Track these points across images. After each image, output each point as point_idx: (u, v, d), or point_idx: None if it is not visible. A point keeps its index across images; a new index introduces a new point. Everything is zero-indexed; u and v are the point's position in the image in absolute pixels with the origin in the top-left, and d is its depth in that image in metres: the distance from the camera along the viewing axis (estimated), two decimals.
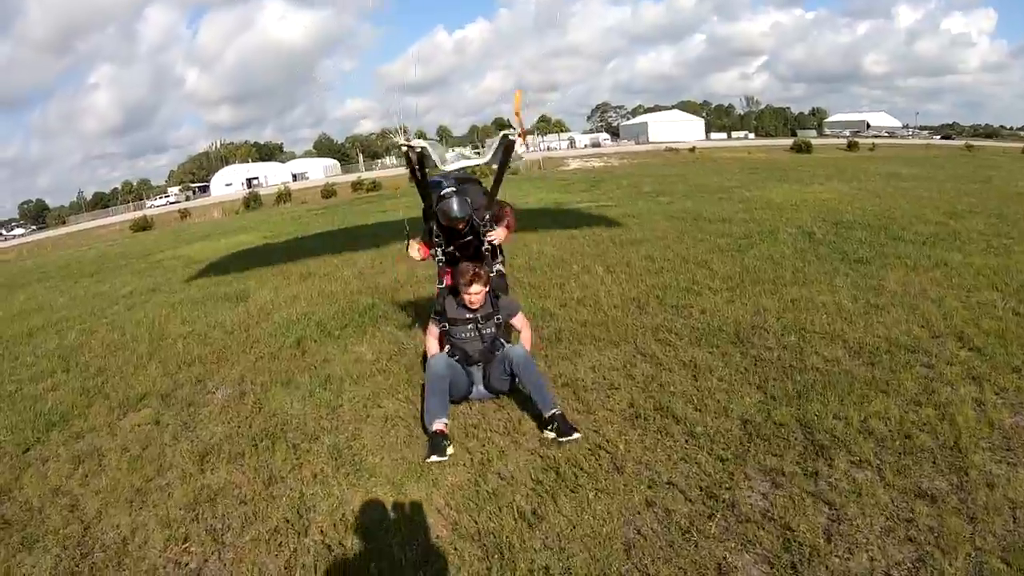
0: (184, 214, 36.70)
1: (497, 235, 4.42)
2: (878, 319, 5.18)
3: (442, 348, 4.15)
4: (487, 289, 4.07)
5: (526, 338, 4.33)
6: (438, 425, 3.64)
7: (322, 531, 3.00)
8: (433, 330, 4.25)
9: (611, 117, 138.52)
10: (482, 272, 4.01)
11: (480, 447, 3.64)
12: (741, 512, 2.87)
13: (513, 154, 4.33)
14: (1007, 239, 8.02)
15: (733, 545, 2.66)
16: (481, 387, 4.14)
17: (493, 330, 4.14)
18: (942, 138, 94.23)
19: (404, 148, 4.22)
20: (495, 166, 4.56)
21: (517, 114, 4.10)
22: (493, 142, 4.11)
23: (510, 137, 4.20)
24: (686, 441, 3.52)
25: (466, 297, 4.01)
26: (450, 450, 3.53)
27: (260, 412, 4.41)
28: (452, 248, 4.48)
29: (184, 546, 3.03)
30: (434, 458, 3.46)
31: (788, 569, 2.50)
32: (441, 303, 4.27)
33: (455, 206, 4.12)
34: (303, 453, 3.75)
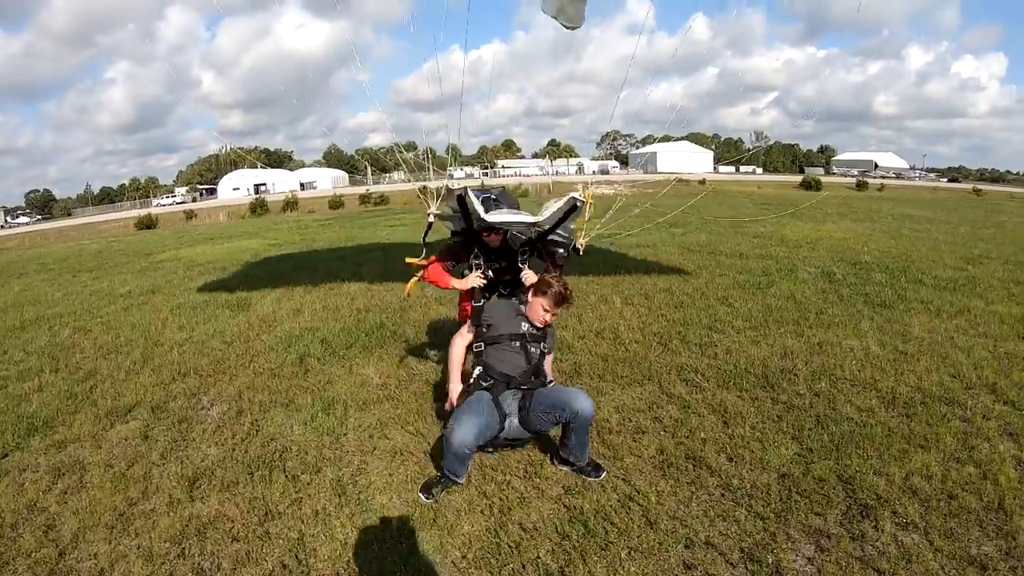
0: (190, 215, 36.49)
1: (529, 275, 3.87)
2: (908, 367, 4.99)
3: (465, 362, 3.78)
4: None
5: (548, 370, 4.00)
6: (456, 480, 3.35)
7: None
8: (466, 336, 3.74)
9: (620, 145, 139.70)
10: (571, 296, 3.64)
11: (499, 492, 3.32)
12: None
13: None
14: None
15: None
16: (515, 420, 3.45)
17: (538, 354, 3.66)
18: (948, 180, 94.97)
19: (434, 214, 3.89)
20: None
21: (589, 197, 3.64)
22: (556, 203, 3.66)
23: (577, 201, 3.66)
24: (722, 495, 3.26)
25: (541, 313, 3.57)
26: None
27: (258, 435, 4.09)
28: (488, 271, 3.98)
29: None
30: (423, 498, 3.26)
31: None
32: (488, 313, 3.73)
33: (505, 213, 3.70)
34: (303, 486, 3.42)
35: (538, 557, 2.79)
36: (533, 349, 3.63)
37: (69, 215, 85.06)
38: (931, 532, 2.90)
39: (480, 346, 3.65)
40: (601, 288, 7.91)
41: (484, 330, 3.67)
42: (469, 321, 3.79)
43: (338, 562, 2.79)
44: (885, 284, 7.96)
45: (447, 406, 3.56)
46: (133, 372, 5.57)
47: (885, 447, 3.66)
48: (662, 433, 3.94)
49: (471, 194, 3.55)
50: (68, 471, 3.76)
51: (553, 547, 2.87)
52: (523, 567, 2.74)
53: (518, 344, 3.61)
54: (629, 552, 2.82)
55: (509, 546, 2.87)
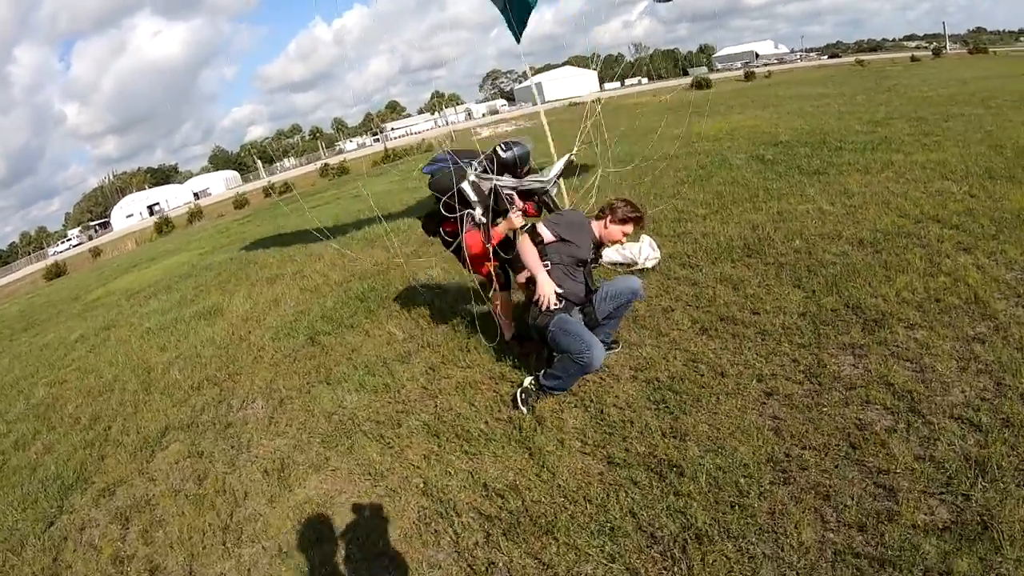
0: (96, 252, 33.21)
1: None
2: (861, 216, 5.30)
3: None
4: None
5: None
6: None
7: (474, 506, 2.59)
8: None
9: (503, 83, 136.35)
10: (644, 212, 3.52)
11: (579, 389, 3.28)
12: (846, 380, 2.94)
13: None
14: (935, 137, 8.34)
15: (856, 406, 2.73)
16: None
17: (590, 275, 3.42)
18: (829, 57, 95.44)
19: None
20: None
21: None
22: (559, 163, 4.09)
23: (572, 157, 4.48)
24: (763, 339, 3.46)
25: (618, 234, 3.36)
26: None
27: (314, 414, 3.80)
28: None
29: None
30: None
31: (908, 412, 2.62)
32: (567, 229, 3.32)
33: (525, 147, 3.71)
34: (395, 439, 3.22)
35: (647, 424, 2.82)
36: (587, 275, 3.38)
37: None
38: (935, 326, 3.26)
39: (547, 264, 3.23)
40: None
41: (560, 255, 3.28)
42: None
43: (476, 490, 2.68)
44: (811, 156, 8.23)
45: (543, 305, 3.06)
46: (141, 402, 5.00)
47: (871, 276, 4.01)
48: (688, 307, 4.06)
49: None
50: (135, 513, 3.34)
51: (654, 414, 2.91)
52: (640, 434, 2.78)
53: (582, 270, 3.32)
54: (718, 398, 2.94)
55: (617, 423, 2.89)
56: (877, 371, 2.93)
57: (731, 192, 6.92)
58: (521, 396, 3.20)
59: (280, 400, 4.16)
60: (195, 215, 32.90)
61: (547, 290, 3.03)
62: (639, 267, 4.96)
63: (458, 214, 3.53)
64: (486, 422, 3.16)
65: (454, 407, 3.40)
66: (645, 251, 5.06)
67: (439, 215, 3.69)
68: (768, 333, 3.49)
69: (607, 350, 3.34)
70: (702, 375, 3.15)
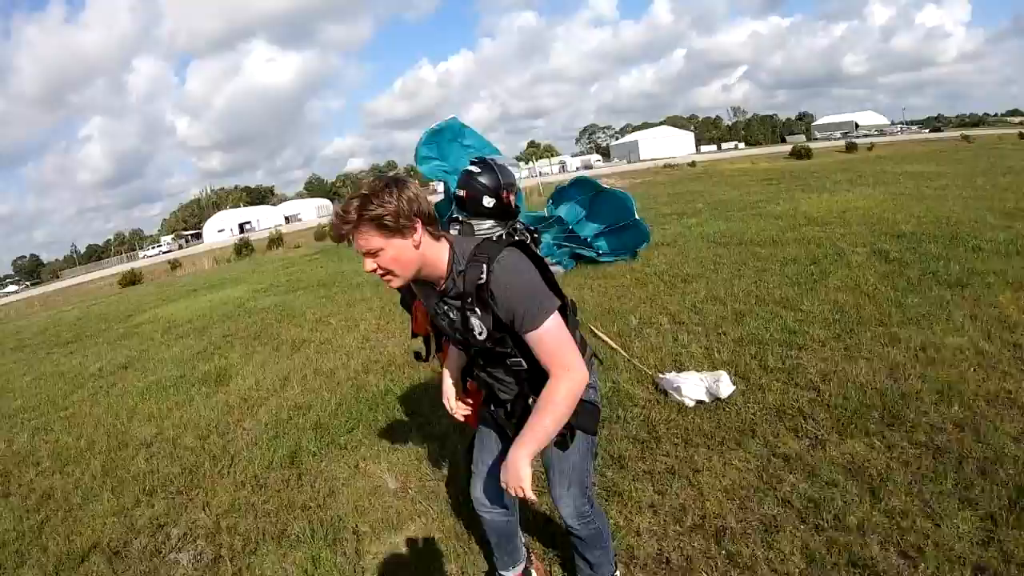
0: (174, 264, 35.15)
1: None
2: None
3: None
4: None
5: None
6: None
7: None
8: None
9: (599, 138, 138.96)
10: None
11: None
12: None
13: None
14: None
15: None
16: None
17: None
18: (931, 131, 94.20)
19: None
20: None
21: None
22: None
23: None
24: None
25: None
26: None
27: None
28: None
29: None
30: None
31: None
32: None
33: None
34: None
35: None
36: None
37: (57, 278, 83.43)
38: None
39: None
40: (638, 305, 6.72)
41: None
42: None
43: None
44: (945, 257, 6.88)
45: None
46: (92, 493, 4.40)
47: None
48: (799, 525, 2.77)
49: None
50: None
51: None
52: None
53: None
54: None
55: None
56: None
57: (854, 305, 5.66)
58: None
59: (216, 555, 3.32)
60: (275, 241, 34.18)
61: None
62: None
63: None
64: None
65: None
66: (725, 381, 4.15)
67: None
68: None
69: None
70: None
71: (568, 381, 1.71)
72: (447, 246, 1.78)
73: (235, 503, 3.84)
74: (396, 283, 1.76)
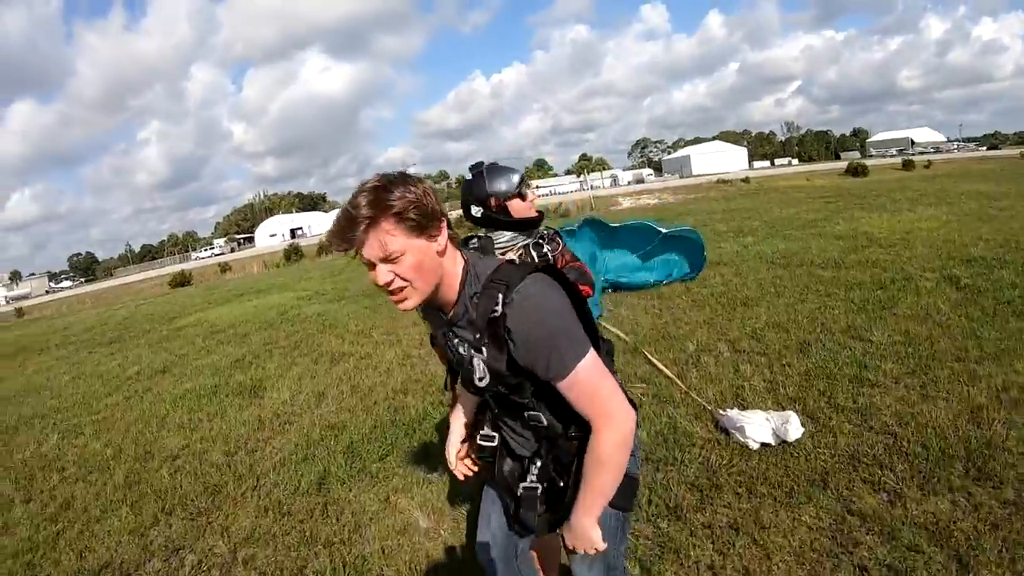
0: (224, 268, 36.10)
1: None
2: None
3: None
4: None
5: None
6: None
7: None
8: None
9: (651, 152, 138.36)
10: None
11: None
12: None
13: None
14: None
15: None
16: None
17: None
18: (988, 148, 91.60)
19: None
20: None
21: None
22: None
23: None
24: None
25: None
26: None
27: None
28: None
29: None
30: None
31: None
32: None
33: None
34: None
35: None
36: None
37: (111, 276, 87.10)
38: None
39: None
40: (695, 330, 6.25)
41: None
42: None
43: None
44: (1021, 285, 6.27)
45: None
46: (111, 507, 4.24)
47: None
48: None
49: None
50: None
51: None
52: None
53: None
54: None
55: None
56: None
57: (927, 337, 5.11)
58: None
59: None
60: (325, 248, 34.67)
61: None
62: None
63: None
64: None
65: None
66: (795, 423, 3.71)
67: None
68: None
69: None
70: None
71: (613, 432, 1.43)
72: (463, 263, 1.47)
73: (255, 531, 3.58)
74: (411, 302, 1.41)
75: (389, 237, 1.30)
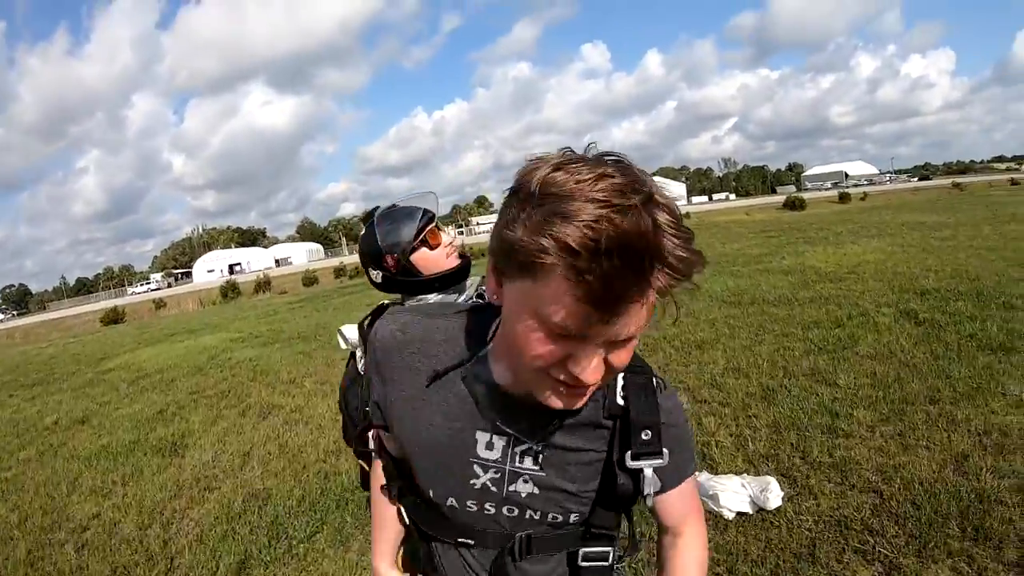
0: (159, 304, 34.48)
1: None
2: None
3: None
4: None
5: None
6: None
7: None
8: None
9: None
10: None
11: None
12: None
13: None
14: None
15: None
16: None
17: None
18: (919, 179, 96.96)
19: None
20: None
21: None
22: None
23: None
24: None
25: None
26: None
27: None
28: None
29: None
30: None
31: None
32: None
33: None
34: None
35: None
36: None
37: (44, 309, 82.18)
38: None
39: None
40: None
41: None
42: None
43: None
44: (980, 318, 6.43)
45: None
46: None
47: None
48: None
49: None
50: None
51: None
52: None
53: None
54: None
55: None
56: None
57: (896, 378, 5.07)
58: None
59: None
60: (262, 285, 33.70)
61: None
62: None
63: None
64: None
65: None
66: (775, 490, 3.50)
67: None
68: None
69: None
70: None
71: (704, 536, 1.12)
72: None
73: None
74: (585, 399, 0.84)
75: (648, 305, 0.73)
